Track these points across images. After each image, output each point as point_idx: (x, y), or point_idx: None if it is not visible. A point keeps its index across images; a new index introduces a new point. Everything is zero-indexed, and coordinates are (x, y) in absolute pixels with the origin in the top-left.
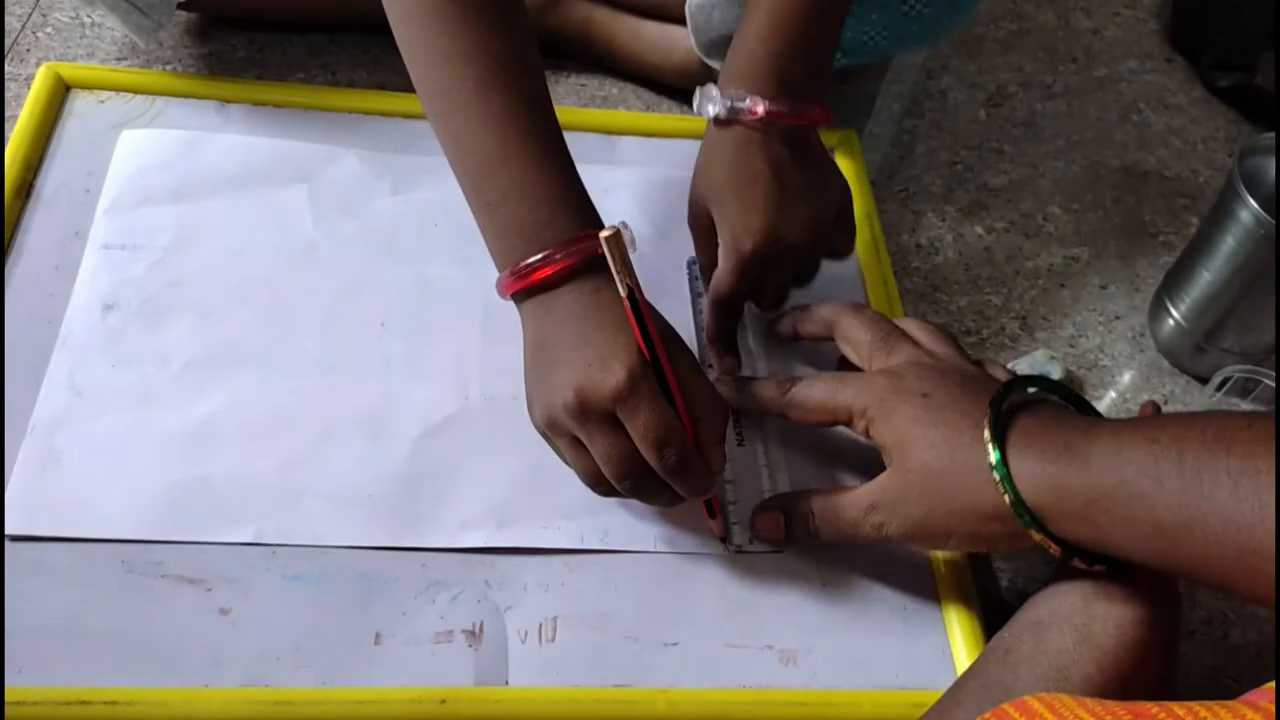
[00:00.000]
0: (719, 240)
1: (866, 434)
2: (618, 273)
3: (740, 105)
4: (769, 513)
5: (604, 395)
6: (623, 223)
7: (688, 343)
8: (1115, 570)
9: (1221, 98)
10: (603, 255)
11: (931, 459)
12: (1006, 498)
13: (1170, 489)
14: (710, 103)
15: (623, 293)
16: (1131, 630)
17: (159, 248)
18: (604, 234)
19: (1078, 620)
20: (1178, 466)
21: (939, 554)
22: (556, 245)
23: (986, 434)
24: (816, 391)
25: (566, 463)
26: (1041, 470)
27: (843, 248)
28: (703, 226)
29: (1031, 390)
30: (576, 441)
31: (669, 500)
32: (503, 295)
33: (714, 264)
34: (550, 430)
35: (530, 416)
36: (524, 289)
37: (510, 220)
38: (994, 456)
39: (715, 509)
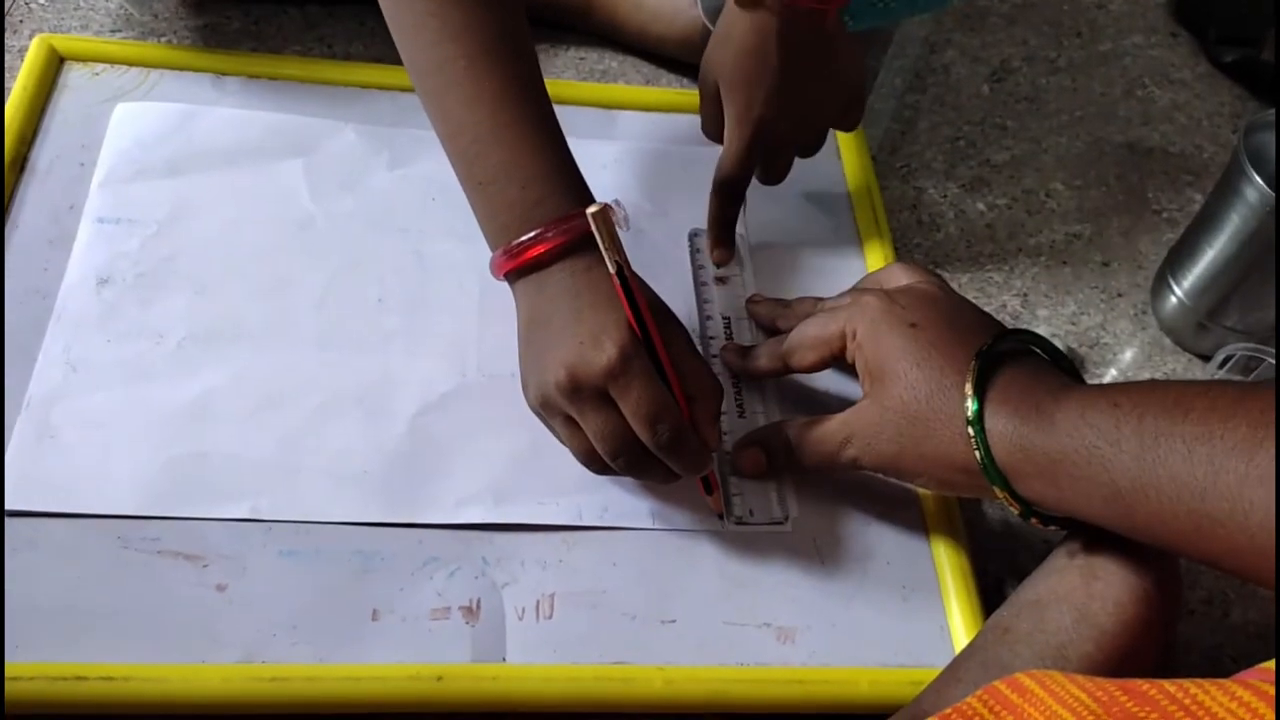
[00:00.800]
0: (725, 116)
1: (853, 359)
2: (605, 249)
3: None
4: (749, 449)
5: (595, 373)
6: (615, 200)
7: (691, 318)
8: (1068, 529)
9: (1226, 73)
10: (591, 235)
11: (909, 399)
12: (978, 454)
13: (1128, 453)
14: None
15: (611, 269)
16: (1130, 609)
17: (154, 221)
18: (590, 210)
19: (1077, 599)
20: (1136, 431)
21: (938, 532)
22: (548, 223)
23: (969, 388)
24: (811, 326)
25: (562, 442)
26: (1012, 429)
27: (848, 124)
28: (710, 98)
29: (1015, 342)
30: (570, 420)
31: (665, 478)
32: (496, 275)
33: (720, 137)
34: (544, 410)
35: (524, 396)
36: (516, 268)
37: (502, 199)
38: (972, 413)
39: (713, 485)
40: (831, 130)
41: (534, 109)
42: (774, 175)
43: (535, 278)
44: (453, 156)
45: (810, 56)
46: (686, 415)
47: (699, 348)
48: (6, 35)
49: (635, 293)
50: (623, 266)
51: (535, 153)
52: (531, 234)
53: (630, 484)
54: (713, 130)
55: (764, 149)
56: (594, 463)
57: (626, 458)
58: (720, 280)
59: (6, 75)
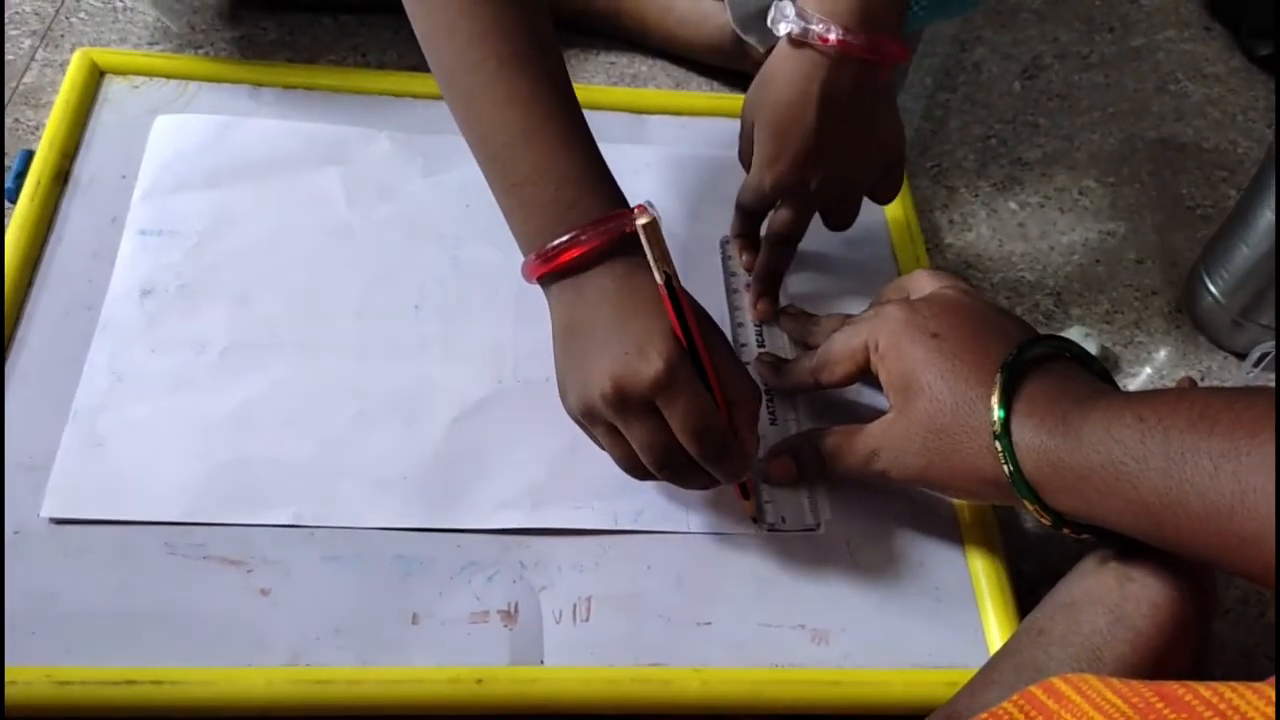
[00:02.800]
0: (754, 155)
1: (877, 372)
2: (655, 260)
3: (813, 28)
4: (779, 458)
5: (643, 384)
6: (648, 201)
7: (723, 324)
8: (1101, 539)
9: (1261, 66)
10: (630, 235)
11: (934, 412)
12: (1006, 468)
13: (1155, 469)
14: (784, 20)
15: (659, 280)
16: (1165, 610)
17: (195, 232)
18: (640, 222)
19: (1111, 600)
20: (1163, 447)
21: (972, 534)
22: (583, 226)
23: (994, 400)
24: (838, 342)
25: (603, 449)
26: (1040, 442)
27: (882, 196)
28: (746, 135)
29: (1042, 349)
30: (614, 430)
31: (705, 484)
32: (528, 279)
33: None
34: (586, 419)
35: (563, 404)
36: (551, 272)
37: (536, 201)
38: (999, 426)
39: (749, 490)
40: None
41: (566, 111)
42: (791, 229)
43: (572, 282)
44: (484, 159)
45: (849, 117)
46: (726, 420)
47: None
48: (48, 49)
49: (683, 305)
50: (671, 278)
51: (569, 154)
52: (566, 236)
53: (665, 489)
54: (746, 162)
55: (786, 201)
56: (637, 470)
57: (671, 468)
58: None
59: (49, 89)
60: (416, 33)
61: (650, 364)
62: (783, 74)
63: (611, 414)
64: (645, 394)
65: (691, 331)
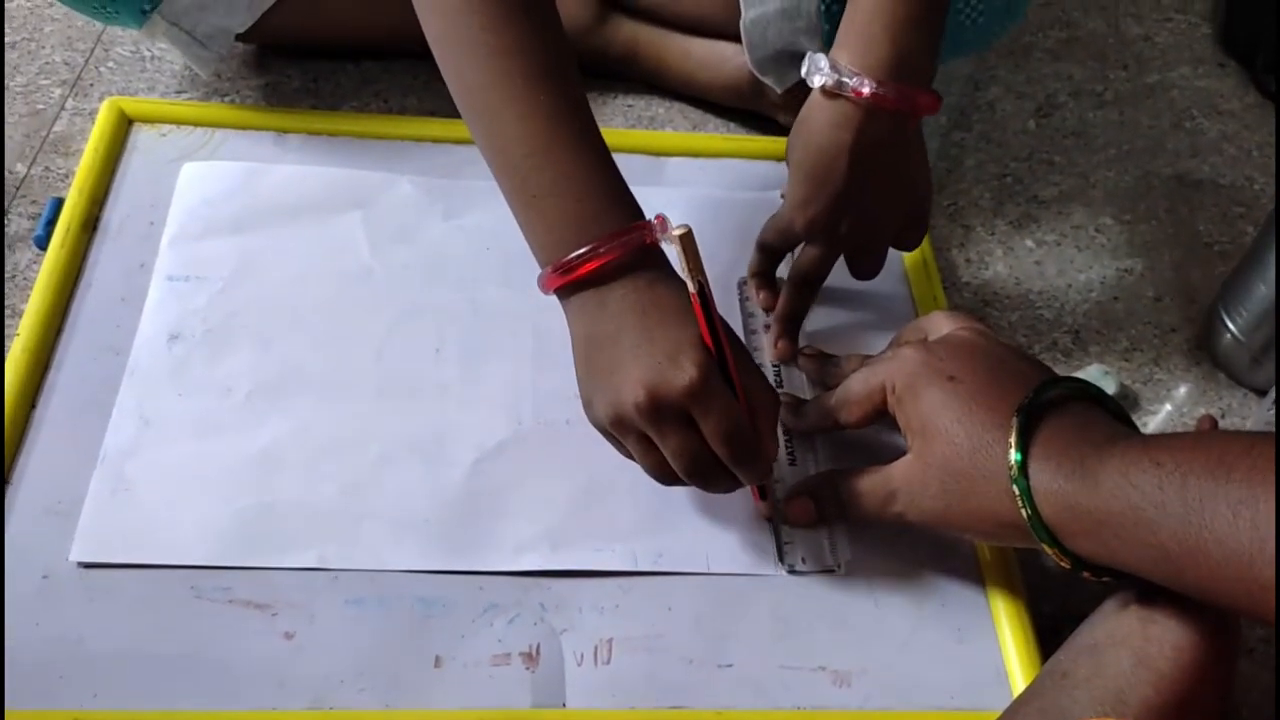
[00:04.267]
0: (787, 196)
1: (895, 414)
2: (690, 270)
3: (846, 81)
4: (798, 499)
5: (677, 393)
6: (659, 215)
7: None
8: (1121, 581)
9: (1276, 102)
10: (650, 246)
11: (951, 455)
12: (1024, 511)
13: (1174, 516)
14: (817, 73)
15: (693, 289)
16: (1189, 652)
17: (220, 278)
18: (677, 232)
19: (1135, 643)
20: (1180, 493)
21: (993, 574)
22: (604, 238)
23: (1011, 444)
24: (855, 383)
25: (629, 457)
26: (1057, 486)
27: (907, 243)
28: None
29: (1058, 391)
30: (644, 438)
31: (729, 487)
32: (545, 290)
33: None
34: (616, 429)
35: (589, 414)
36: (572, 283)
37: (557, 213)
38: (1016, 469)
39: (767, 492)
40: None
41: (586, 126)
42: (815, 272)
43: (593, 294)
44: (503, 172)
45: (881, 165)
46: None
47: None
48: (78, 98)
49: (714, 313)
50: (704, 287)
51: (590, 167)
52: (586, 248)
53: (685, 529)
54: None
55: (813, 243)
56: (666, 476)
57: (701, 473)
58: (770, 328)
59: (79, 137)
60: (434, 48)
61: (684, 372)
62: (817, 121)
63: (644, 423)
64: (680, 402)
65: (721, 340)
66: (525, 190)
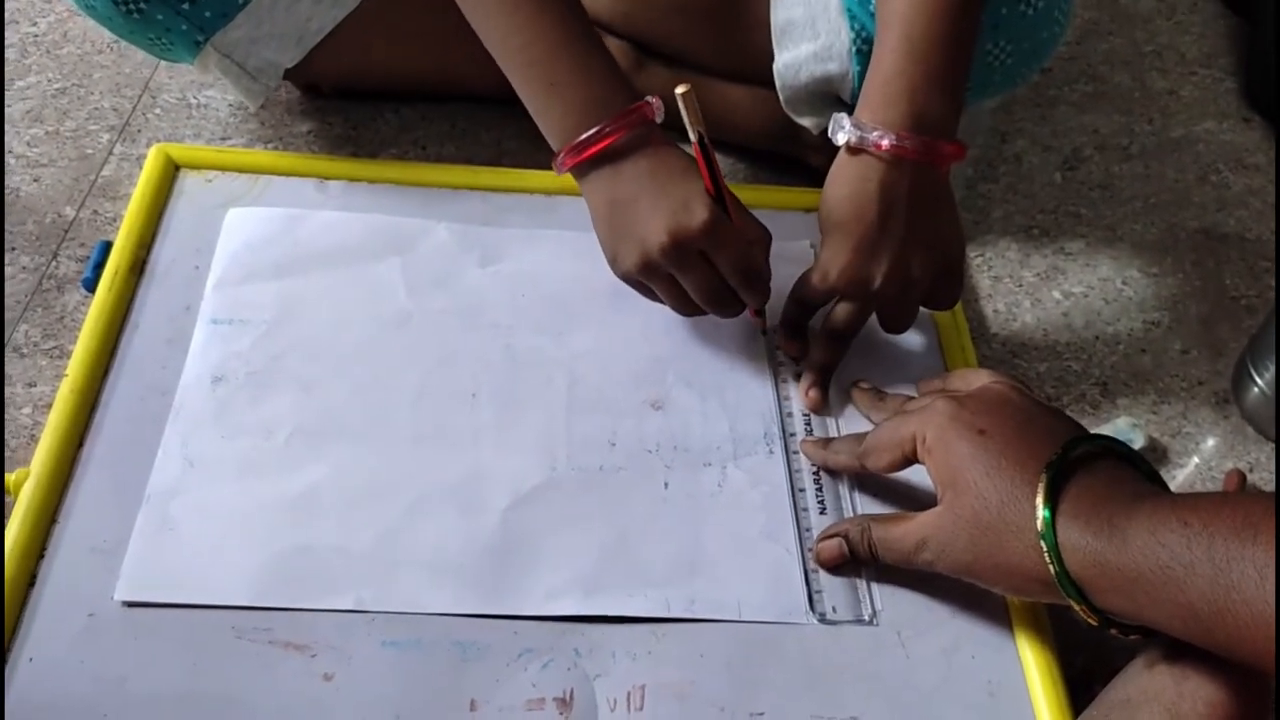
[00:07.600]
0: (820, 250)
1: (925, 464)
2: (691, 121)
3: (868, 136)
4: (830, 540)
5: (693, 234)
6: (656, 95)
7: (770, 413)
8: (1150, 637)
9: None
10: (650, 123)
11: (980, 509)
12: (1051, 568)
13: (1202, 576)
14: (841, 130)
15: (694, 138)
16: (1222, 708)
17: (263, 322)
18: (680, 90)
19: (1167, 698)
20: (1208, 555)
21: (1023, 625)
22: (614, 117)
23: (1039, 500)
24: (885, 430)
25: (652, 298)
26: (1085, 543)
27: (941, 302)
28: None
29: (1087, 448)
30: (669, 278)
31: (735, 312)
32: (560, 171)
33: None
34: (644, 274)
35: (617, 268)
36: (587, 160)
37: (574, 97)
38: (1044, 526)
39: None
40: None
41: (589, 26)
42: (848, 326)
43: (609, 168)
44: (524, 65)
45: (908, 215)
46: None
47: (780, 443)
48: (125, 144)
49: (713, 160)
50: (703, 136)
51: (601, 58)
52: (596, 128)
53: (717, 575)
54: None
55: (846, 296)
56: (687, 308)
57: (718, 301)
58: (799, 378)
59: (127, 182)
60: None
61: (697, 217)
62: (843, 177)
63: (669, 263)
64: (697, 241)
65: (720, 185)
66: (546, 78)
